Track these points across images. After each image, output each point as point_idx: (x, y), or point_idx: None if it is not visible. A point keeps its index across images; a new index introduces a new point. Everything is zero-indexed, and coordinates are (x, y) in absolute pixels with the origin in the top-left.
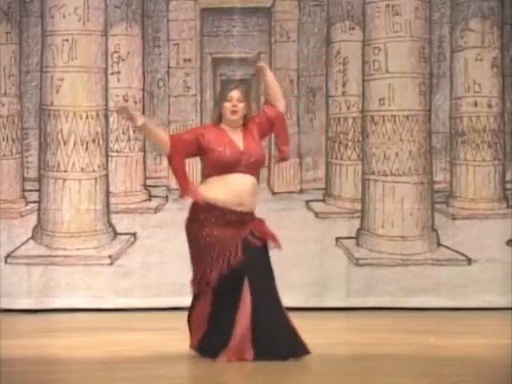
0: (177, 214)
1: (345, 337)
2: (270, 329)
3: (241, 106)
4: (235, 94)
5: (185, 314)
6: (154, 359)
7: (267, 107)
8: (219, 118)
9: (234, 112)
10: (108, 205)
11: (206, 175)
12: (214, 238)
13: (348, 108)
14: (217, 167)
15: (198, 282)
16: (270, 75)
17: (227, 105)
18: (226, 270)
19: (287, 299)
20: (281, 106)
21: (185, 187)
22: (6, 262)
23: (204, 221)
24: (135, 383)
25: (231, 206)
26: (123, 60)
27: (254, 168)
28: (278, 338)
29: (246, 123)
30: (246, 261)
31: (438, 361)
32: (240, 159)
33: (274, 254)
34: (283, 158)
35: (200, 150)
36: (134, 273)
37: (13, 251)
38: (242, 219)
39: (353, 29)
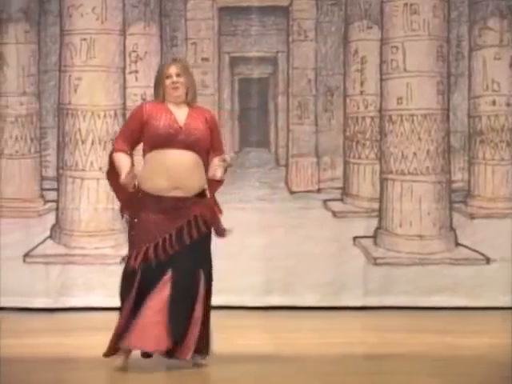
0: None
1: (361, 336)
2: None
3: (181, 80)
4: (173, 69)
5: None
6: None
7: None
8: (163, 98)
9: (175, 88)
10: None
11: (143, 152)
12: (151, 223)
13: (366, 107)
14: (151, 142)
15: (135, 258)
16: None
17: (167, 81)
18: (153, 258)
19: (304, 298)
20: None
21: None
22: (24, 261)
23: (140, 202)
24: (148, 383)
25: (165, 192)
26: (141, 59)
27: (193, 146)
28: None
29: (192, 102)
30: (174, 255)
31: (455, 360)
32: (176, 135)
33: (293, 253)
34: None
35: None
36: None
37: (31, 250)
38: (178, 205)
39: (370, 28)
